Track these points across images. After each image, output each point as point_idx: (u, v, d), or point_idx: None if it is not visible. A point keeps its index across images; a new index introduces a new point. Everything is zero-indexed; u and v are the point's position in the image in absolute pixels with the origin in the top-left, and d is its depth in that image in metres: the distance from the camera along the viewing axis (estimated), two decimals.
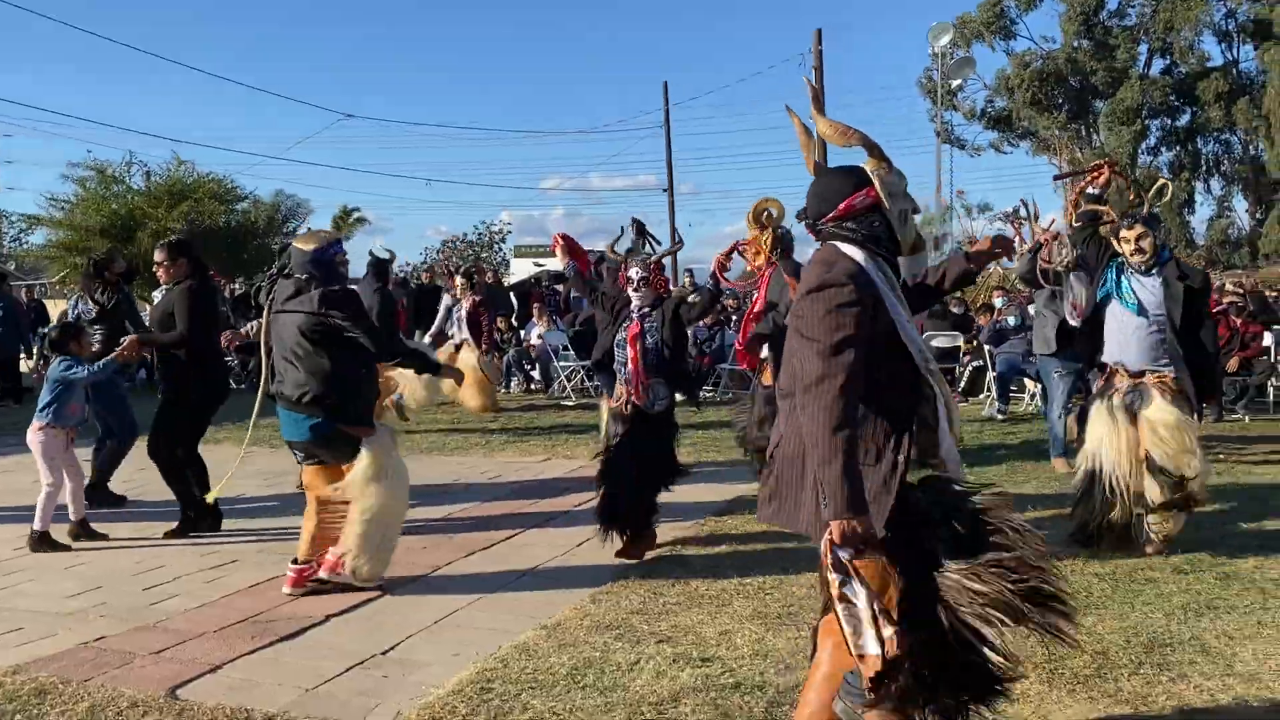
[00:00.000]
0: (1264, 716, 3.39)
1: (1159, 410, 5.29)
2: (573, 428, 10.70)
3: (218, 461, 6.68)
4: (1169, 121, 34.74)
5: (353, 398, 5.05)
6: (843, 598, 2.62)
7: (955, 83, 29.53)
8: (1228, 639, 4.08)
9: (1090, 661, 3.87)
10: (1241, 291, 13.12)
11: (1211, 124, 33.43)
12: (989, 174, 73.11)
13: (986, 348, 11.61)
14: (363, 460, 5.00)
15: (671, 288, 6.54)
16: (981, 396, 12.02)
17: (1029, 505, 6.63)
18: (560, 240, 6.44)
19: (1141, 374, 5.42)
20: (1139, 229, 5.42)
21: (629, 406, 5.65)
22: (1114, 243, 5.60)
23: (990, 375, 11.50)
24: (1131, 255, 5.46)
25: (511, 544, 6.12)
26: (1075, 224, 5.74)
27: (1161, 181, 6.05)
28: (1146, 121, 33.61)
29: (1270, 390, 11.06)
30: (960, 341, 12.64)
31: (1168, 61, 34.48)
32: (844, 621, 2.63)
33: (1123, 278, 5.51)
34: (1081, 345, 5.93)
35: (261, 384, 5.25)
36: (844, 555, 2.60)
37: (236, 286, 16.12)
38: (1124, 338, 5.49)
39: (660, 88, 46.04)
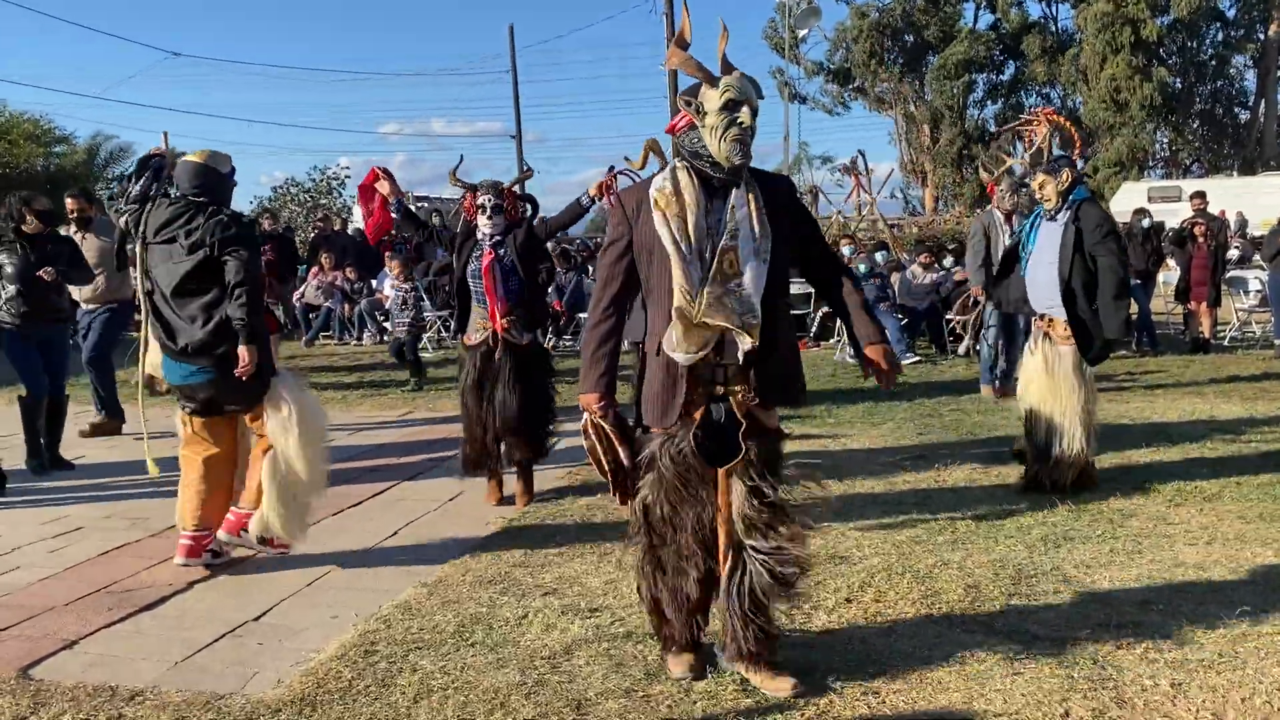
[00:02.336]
0: (1125, 640, 3.60)
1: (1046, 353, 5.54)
2: (432, 380, 10.45)
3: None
4: (995, 76, 36.32)
5: (264, 339, 4.60)
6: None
7: (801, 32, 30.01)
8: (1085, 568, 4.33)
9: (964, 595, 4.04)
10: None
11: (1034, 78, 35.13)
12: (830, 127, 75.03)
13: None
14: (274, 405, 4.55)
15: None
16: (833, 341, 12.36)
17: (887, 449, 6.89)
18: (375, 177, 5.86)
19: (1042, 317, 5.66)
20: (1040, 177, 5.64)
21: (493, 341, 5.50)
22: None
23: (840, 321, 11.81)
24: (1042, 202, 5.68)
25: (382, 500, 5.94)
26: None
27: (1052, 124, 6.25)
28: (974, 75, 35.04)
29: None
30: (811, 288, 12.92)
31: (994, 17, 35.94)
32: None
33: (1037, 223, 5.73)
34: (999, 292, 6.12)
35: (143, 331, 4.62)
36: (585, 420, 3.35)
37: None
38: (1030, 282, 5.72)
39: (507, 31, 44.92)
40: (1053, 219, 5.60)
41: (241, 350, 4.40)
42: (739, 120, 3.02)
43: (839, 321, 11.84)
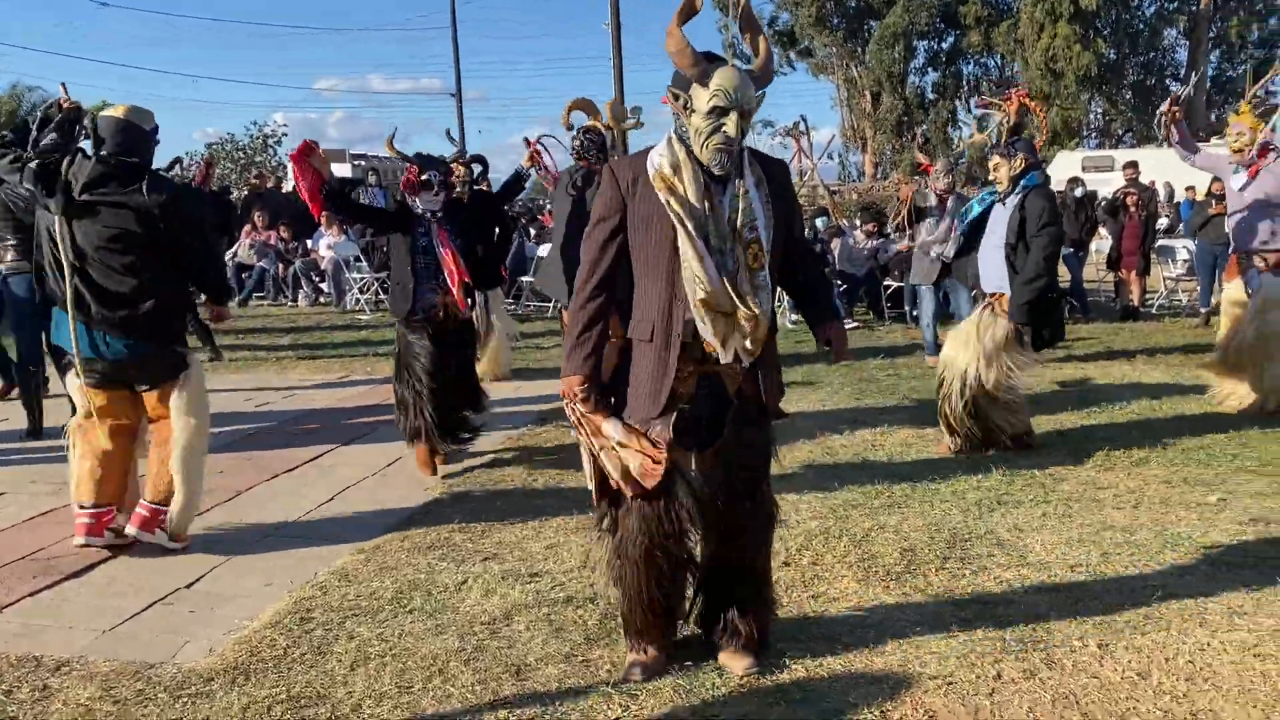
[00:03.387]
0: (1055, 603, 3.68)
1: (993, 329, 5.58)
2: (370, 343, 10.30)
3: None
4: (935, 44, 36.54)
5: (179, 312, 4.45)
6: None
7: None
8: (1018, 531, 4.42)
9: (900, 559, 4.10)
10: None
11: (972, 47, 35.40)
12: (775, 90, 75.01)
13: None
14: (183, 387, 4.30)
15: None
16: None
17: (824, 413, 6.94)
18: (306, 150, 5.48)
19: (993, 295, 5.70)
20: (995, 159, 5.68)
21: (444, 314, 5.46)
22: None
23: (793, 297, 11.86)
24: (995, 184, 5.73)
25: (317, 465, 5.85)
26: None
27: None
28: (914, 43, 35.20)
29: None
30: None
31: None
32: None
33: (994, 204, 5.77)
34: (960, 268, 6.16)
35: (69, 292, 4.17)
36: (567, 409, 3.16)
37: None
38: (981, 261, 5.78)
39: None
40: (1003, 202, 5.65)
41: (217, 310, 4.64)
42: (724, 128, 2.86)
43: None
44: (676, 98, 2.93)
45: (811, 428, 6.39)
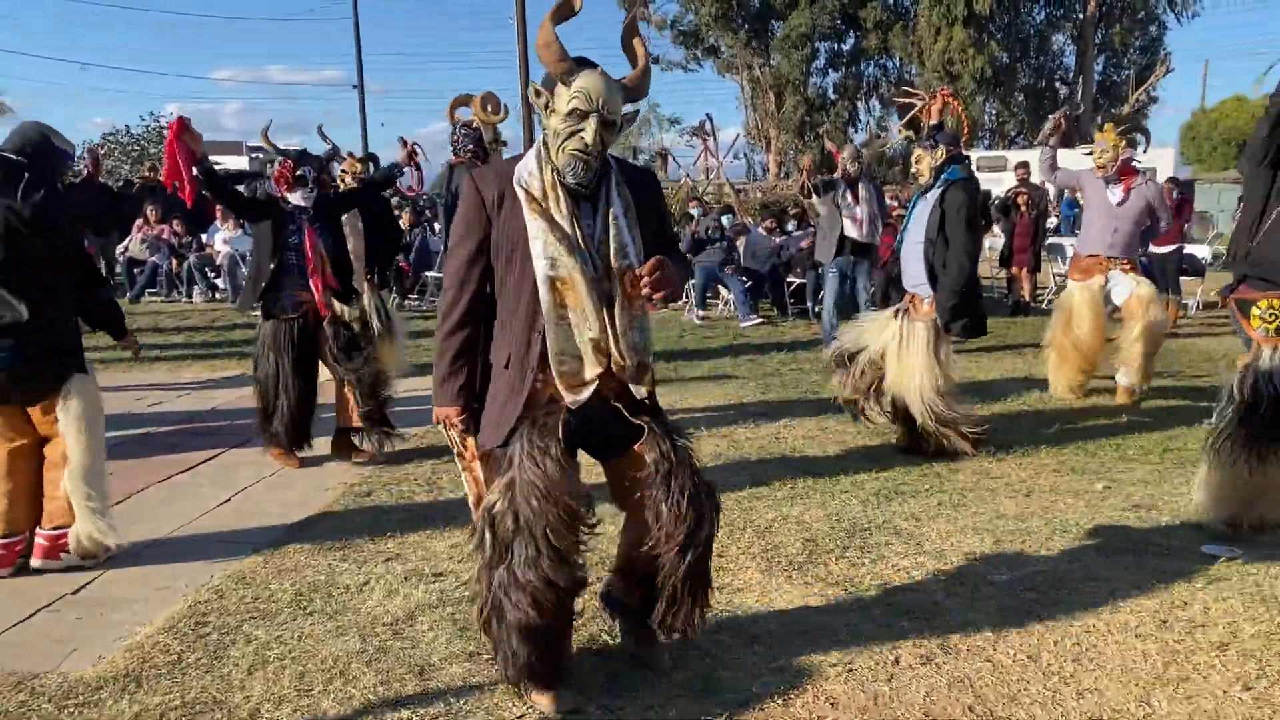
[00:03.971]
0: (951, 589, 3.79)
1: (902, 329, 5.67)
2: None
3: None
4: (836, 45, 37.19)
5: (65, 319, 4.07)
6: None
7: None
8: (915, 520, 4.53)
9: (802, 549, 4.17)
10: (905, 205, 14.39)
11: (871, 49, 36.13)
12: (681, 89, 75.60)
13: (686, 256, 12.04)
14: (70, 400, 3.98)
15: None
16: (680, 303, 12.48)
17: (730, 407, 7.02)
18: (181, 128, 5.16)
19: (911, 293, 5.77)
20: (917, 152, 5.77)
21: (314, 313, 5.39)
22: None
23: (690, 282, 11.96)
24: (918, 176, 5.82)
25: (213, 465, 5.69)
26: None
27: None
28: (817, 44, 35.78)
29: None
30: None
31: None
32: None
33: (917, 199, 5.84)
34: (894, 265, 6.17)
35: None
36: (452, 434, 2.98)
37: None
38: (903, 258, 5.83)
39: None
40: (924, 195, 5.73)
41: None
42: (581, 133, 2.67)
43: (686, 283, 12.00)
44: (539, 95, 2.72)
45: (718, 421, 6.46)
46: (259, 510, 4.88)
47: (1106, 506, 4.70)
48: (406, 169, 6.03)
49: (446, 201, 6.05)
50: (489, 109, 5.95)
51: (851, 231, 8.55)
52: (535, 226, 2.70)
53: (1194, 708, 2.93)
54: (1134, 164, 6.99)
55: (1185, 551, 4.13)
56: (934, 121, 5.94)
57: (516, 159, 2.83)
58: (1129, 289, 6.81)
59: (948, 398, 5.56)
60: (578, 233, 2.73)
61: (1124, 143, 6.87)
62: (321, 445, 5.73)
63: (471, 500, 3.07)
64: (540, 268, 2.70)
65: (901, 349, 5.63)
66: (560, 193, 2.73)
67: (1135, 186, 6.80)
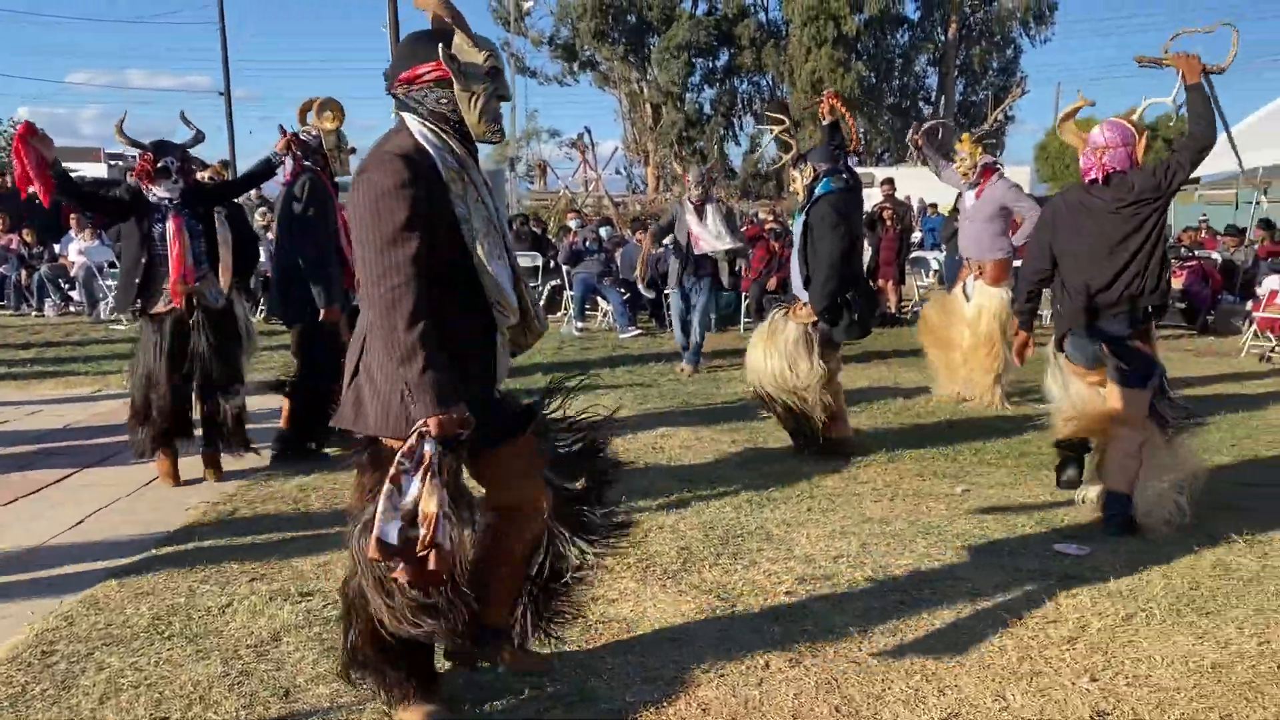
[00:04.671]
0: (819, 592, 3.89)
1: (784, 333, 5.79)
2: (126, 355, 9.59)
3: None
4: (711, 61, 37.81)
5: None
6: (395, 486, 2.46)
7: (527, 4, 29.95)
8: (786, 526, 4.63)
9: (677, 557, 4.21)
10: (780, 219, 14.74)
11: (745, 66, 36.89)
12: (560, 101, 75.66)
13: (564, 268, 12.04)
14: None
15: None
16: (559, 314, 12.48)
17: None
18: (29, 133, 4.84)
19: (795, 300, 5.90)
20: (790, 174, 5.91)
21: (186, 308, 5.20)
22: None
23: (568, 294, 11.97)
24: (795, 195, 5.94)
25: (66, 486, 5.41)
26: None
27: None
28: (693, 59, 36.32)
29: None
30: (539, 262, 13.00)
31: (710, 4, 37.37)
32: (380, 507, 2.46)
33: (797, 215, 5.96)
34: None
35: None
36: (429, 449, 2.46)
37: None
38: (792, 270, 5.95)
39: None
40: (802, 211, 5.86)
41: None
42: (501, 93, 2.62)
43: (565, 294, 12.01)
44: (454, 60, 2.54)
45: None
46: (115, 531, 4.66)
47: (966, 508, 4.89)
48: (285, 158, 5.82)
49: (282, 211, 5.81)
50: (327, 115, 5.80)
51: (695, 249, 8.68)
52: (463, 209, 2.59)
53: (1045, 700, 3.07)
54: (996, 166, 7.30)
55: (1038, 550, 4.33)
56: (827, 121, 6.04)
57: (386, 145, 2.57)
58: (978, 298, 7.16)
59: (807, 392, 5.69)
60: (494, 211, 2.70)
61: (980, 149, 7.21)
62: (184, 464, 5.51)
63: (384, 520, 2.49)
64: (478, 251, 2.61)
65: (771, 345, 5.81)
66: (468, 171, 2.64)
67: (988, 185, 7.14)
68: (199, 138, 5.52)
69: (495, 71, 2.60)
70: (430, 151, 2.56)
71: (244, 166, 6.29)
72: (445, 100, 2.59)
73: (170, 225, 5.11)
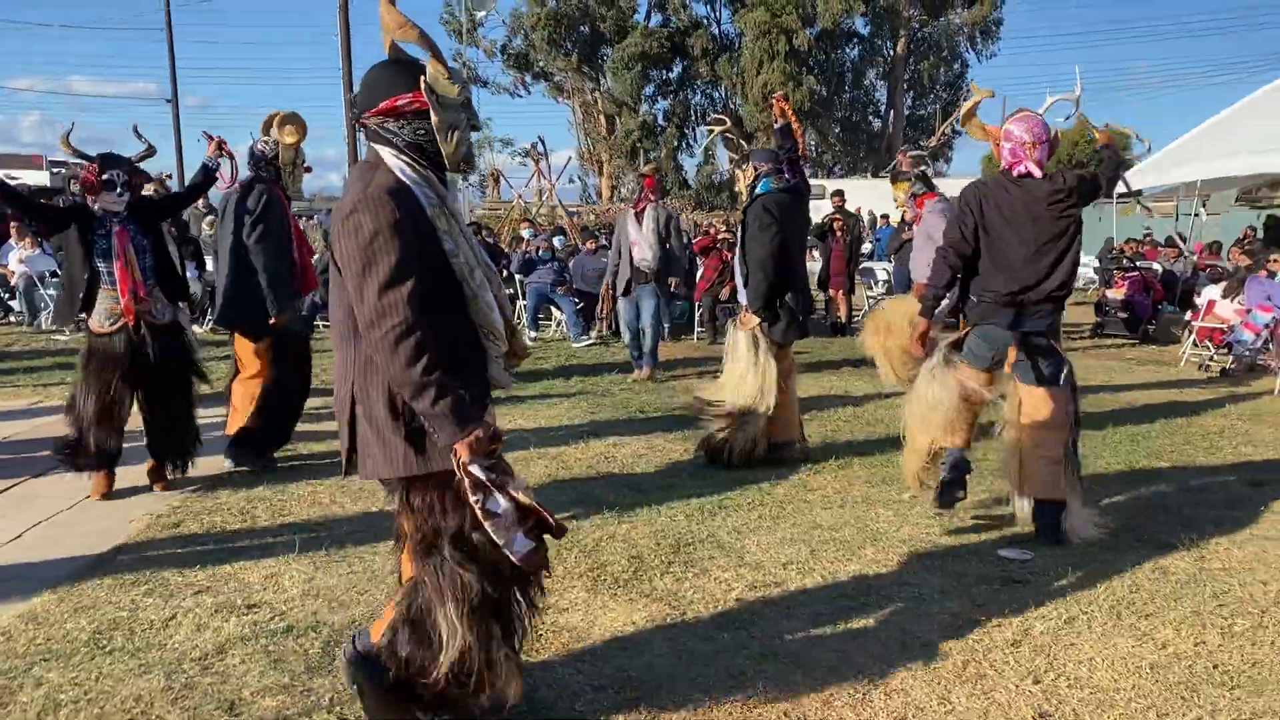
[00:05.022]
0: (770, 598, 3.92)
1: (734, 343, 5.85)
2: (68, 366, 9.40)
3: None
4: (665, 72, 38.03)
5: None
6: (487, 514, 2.52)
7: (480, 14, 29.91)
8: (737, 534, 4.66)
9: (628, 566, 4.22)
10: (733, 229, 14.82)
11: (699, 78, 37.15)
12: (513, 110, 75.66)
13: (517, 277, 12.02)
14: None
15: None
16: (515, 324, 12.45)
17: (560, 428, 7.04)
18: None
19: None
20: (736, 173, 5.95)
21: (133, 324, 5.11)
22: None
23: (521, 303, 11.94)
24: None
25: (6, 499, 5.29)
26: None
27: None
28: (647, 70, 36.51)
29: None
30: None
31: (665, 14, 37.60)
32: (495, 535, 2.54)
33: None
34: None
35: None
36: (478, 471, 2.51)
37: None
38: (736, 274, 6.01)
39: None
40: (741, 211, 5.93)
41: None
42: (474, 123, 2.71)
43: (519, 303, 11.98)
44: (432, 92, 2.53)
45: (548, 441, 6.46)
46: (56, 545, 4.57)
47: (913, 515, 4.96)
48: (221, 160, 5.76)
49: (236, 222, 5.73)
50: (289, 129, 5.74)
51: (636, 259, 8.72)
52: (450, 244, 2.60)
53: (990, 702, 3.12)
54: (931, 190, 7.41)
55: (983, 555, 4.40)
56: (778, 125, 6.10)
57: (370, 185, 2.50)
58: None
59: (758, 412, 5.72)
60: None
61: (909, 185, 7.40)
62: (127, 474, 5.41)
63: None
64: (471, 284, 2.63)
65: (728, 358, 5.87)
66: (446, 204, 2.64)
67: (924, 211, 7.21)
68: (150, 151, 5.45)
69: (467, 103, 2.63)
70: (413, 189, 2.55)
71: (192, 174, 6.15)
72: (423, 132, 2.57)
73: (115, 240, 5.04)
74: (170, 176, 6.31)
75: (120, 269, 5.03)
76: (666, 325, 10.39)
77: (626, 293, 8.86)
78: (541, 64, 37.16)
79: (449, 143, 2.59)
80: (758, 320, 5.72)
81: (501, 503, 2.54)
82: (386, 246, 2.43)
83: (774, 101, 6.20)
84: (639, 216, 8.73)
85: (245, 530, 4.76)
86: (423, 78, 2.55)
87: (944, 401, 4.62)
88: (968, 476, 4.82)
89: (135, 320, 5.11)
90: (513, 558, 2.57)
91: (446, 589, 2.60)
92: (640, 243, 8.67)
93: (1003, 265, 4.55)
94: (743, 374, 5.77)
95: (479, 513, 2.53)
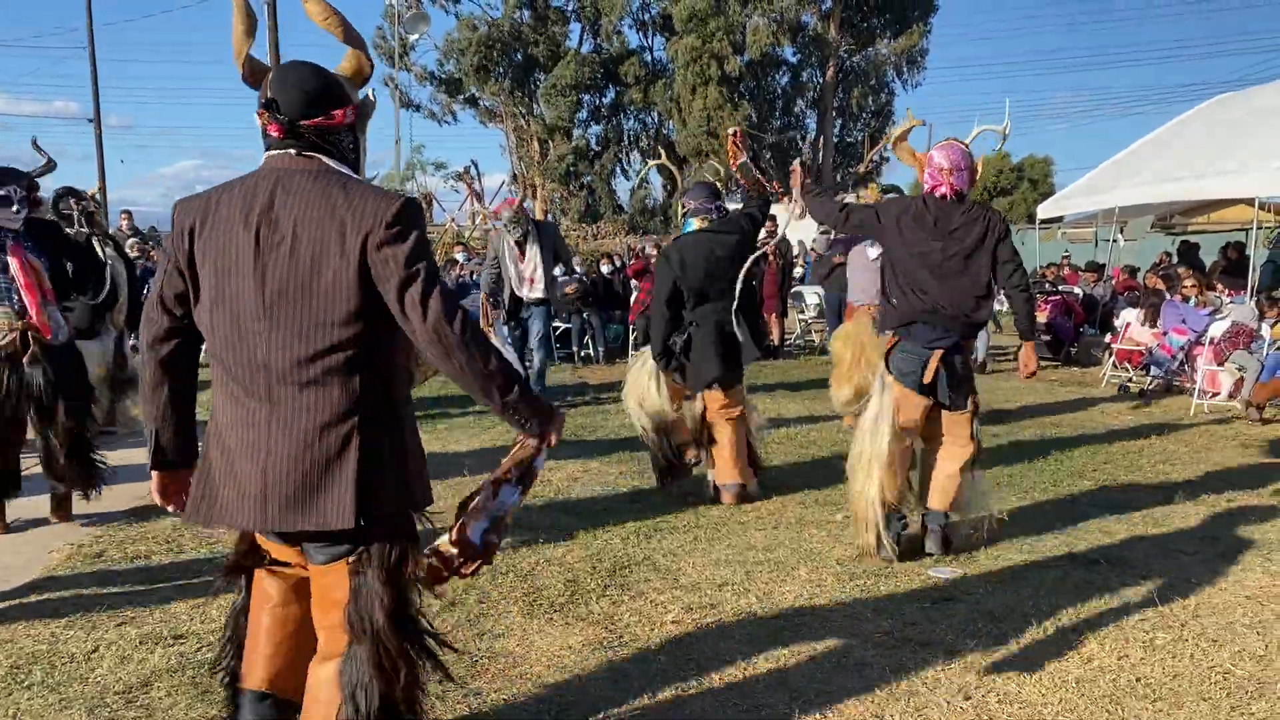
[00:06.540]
0: (704, 620, 3.93)
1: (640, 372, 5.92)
2: None
3: None
4: (598, 98, 38.20)
5: None
6: (497, 485, 2.50)
7: (412, 37, 29.79)
8: (673, 556, 4.67)
9: (564, 589, 4.20)
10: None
11: (632, 103, 37.38)
12: (445, 135, 75.33)
13: None
14: None
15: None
16: None
17: (494, 450, 6.98)
18: None
19: None
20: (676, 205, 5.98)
21: (22, 342, 4.93)
22: None
23: None
24: None
25: None
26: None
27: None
28: (580, 96, 36.63)
29: None
30: None
31: (596, 41, 37.81)
32: (479, 502, 2.48)
33: None
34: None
35: None
36: (540, 465, 2.53)
37: None
38: None
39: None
40: None
41: None
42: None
43: None
44: (367, 99, 2.43)
45: (481, 467, 6.40)
46: None
47: (846, 535, 5.01)
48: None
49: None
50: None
51: (518, 289, 8.61)
52: None
53: (922, 719, 3.17)
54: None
55: (914, 574, 4.47)
56: (740, 160, 6.04)
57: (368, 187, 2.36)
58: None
59: (659, 430, 5.79)
60: None
61: (882, 198, 7.44)
62: (38, 506, 5.25)
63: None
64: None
65: (634, 377, 5.96)
66: None
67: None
68: (50, 166, 5.31)
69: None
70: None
71: (115, 196, 5.99)
72: (353, 145, 2.43)
73: (11, 258, 4.87)
74: (97, 193, 6.13)
75: (24, 281, 4.86)
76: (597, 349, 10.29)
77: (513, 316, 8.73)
78: (472, 92, 37.08)
79: (365, 155, 2.53)
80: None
81: (511, 501, 2.51)
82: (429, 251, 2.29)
83: (731, 138, 6.09)
84: (520, 247, 8.51)
85: (171, 560, 4.65)
86: (361, 90, 2.45)
87: (885, 452, 4.65)
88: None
89: (20, 339, 4.93)
90: (449, 534, 2.45)
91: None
92: (527, 276, 8.54)
93: (918, 279, 4.64)
94: (642, 395, 5.85)
95: (492, 481, 2.48)
